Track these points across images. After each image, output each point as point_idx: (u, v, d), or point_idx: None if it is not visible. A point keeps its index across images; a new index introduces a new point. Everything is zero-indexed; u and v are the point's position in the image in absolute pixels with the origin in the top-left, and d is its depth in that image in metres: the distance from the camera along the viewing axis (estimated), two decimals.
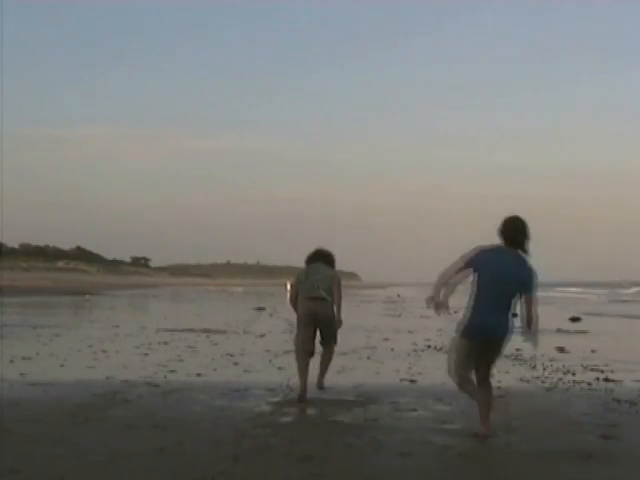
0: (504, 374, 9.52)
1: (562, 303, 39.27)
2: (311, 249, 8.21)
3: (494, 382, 8.68)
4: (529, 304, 5.86)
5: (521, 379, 9.09)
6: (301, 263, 8.46)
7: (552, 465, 5.01)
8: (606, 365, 10.50)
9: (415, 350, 12.41)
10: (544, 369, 10.03)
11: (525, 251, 5.84)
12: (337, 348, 11.64)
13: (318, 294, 7.63)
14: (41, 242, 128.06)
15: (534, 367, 10.25)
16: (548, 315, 26.06)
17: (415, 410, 6.91)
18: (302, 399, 7.37)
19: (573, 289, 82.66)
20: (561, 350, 12.67)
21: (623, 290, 74.15)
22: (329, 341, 7.98)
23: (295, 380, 7.77)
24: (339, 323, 7.88)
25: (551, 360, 11.11)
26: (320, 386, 7.95)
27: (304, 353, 7.66)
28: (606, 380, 9.04)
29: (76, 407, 6.65)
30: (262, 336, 14.85)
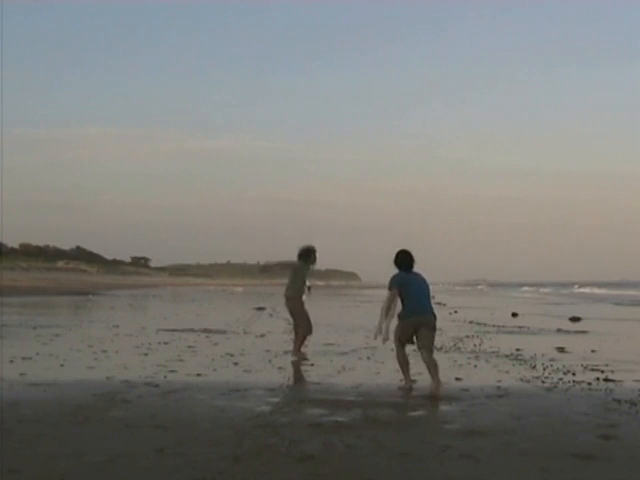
0: (504, 374, 9.53)
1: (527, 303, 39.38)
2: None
3: (494, 381, 8.72)
4: None
5: (521, 379, 9.08)
6: None
7: (552, 465, 5.01)
8: (606, 365, 10.50)
9: (415, 350, 12.38)
10: (544, 369, 10.02)
11: None
12: (337, 348, 11.86)
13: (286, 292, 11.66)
14: (41, 242, 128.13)
15: (534, 367, 10.25)
16: (547, 315, 26.10)
17: (415, 410, 6.91)
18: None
19: (525, 288, 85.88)
20: (561, 350, 12.66)
21: (572, 290, 77.00)
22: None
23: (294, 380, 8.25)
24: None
25: (551, 360, 11.10)
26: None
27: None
28: (606, 380, 9.04)
29: (76, 407, 6.65)
30: (262, 336, 14.86)
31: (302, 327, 11.25)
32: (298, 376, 9.41)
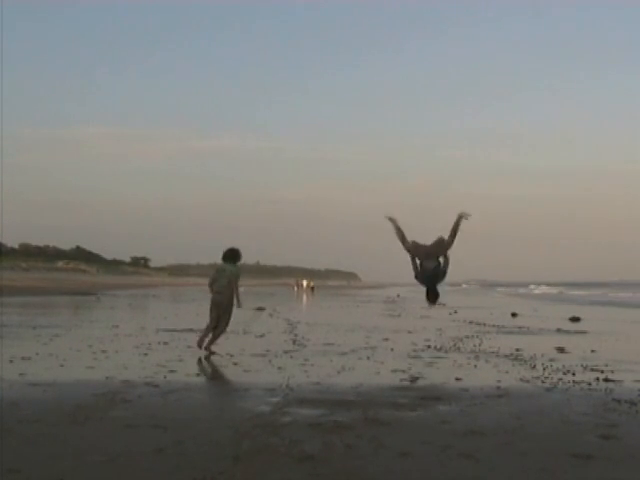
0: (504, 374, 9.53)
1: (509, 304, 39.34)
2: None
3: (494, 381, 8.72)
4: None
5: (521, 379, 9.08)
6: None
7: (552, 465, 5.01)
8: (606, 365, 10.50)
9: (415, 350, 12.41)
10: (544, 369, 10.02)
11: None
12: (337, 348, 11.87)
13: (220, 290, 11.44)
14: (41, 242, 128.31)
15: (534, 367, 10.25)
16: (547, 315, 26.11)
17: (415, 410, 6.90)
18: (199, 345, 11.28)
19: (500, 289, 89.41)
20: (561, 350, 12.66)
21: (533, 290, 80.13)
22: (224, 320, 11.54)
23: (294, 380, 8.44)
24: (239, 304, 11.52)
25: (551, 360, 11.10)
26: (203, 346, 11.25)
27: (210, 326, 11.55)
28: (606, 380, 9.04)
29: (76, 407, 6.64)
30: (262, 336, 14.87)
31: (225, 325, 11.57)
32: (216, 373, 9.67)
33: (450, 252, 9.49)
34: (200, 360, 10.63)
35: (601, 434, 5.94)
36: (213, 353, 11.13)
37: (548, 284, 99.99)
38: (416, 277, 10.15)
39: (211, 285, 11.62)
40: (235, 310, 11.72)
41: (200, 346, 11.24)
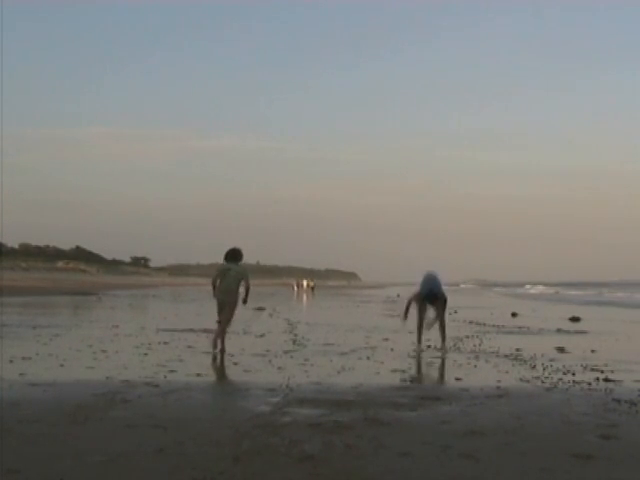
0: (504, 374, 9.53)
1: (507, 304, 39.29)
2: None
3: (494, 381, 8.71)
4: None
5: (521, 379, 9.08)
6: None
7: (552, 465, 5.01)
8: (606, 365, 10.50)
9: (415, 350, 12.41)
10: (544, 369, 10.03)
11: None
12: (337, 348, 11.89)
13: (226, 289, 11.61)
14: (41, 242, 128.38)
15: (534, 367, 10.25)
16: (546, 315, 26.10)
17: (415, 410, 6.90)
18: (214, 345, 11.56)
19: (497, 289, 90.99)
20: (561, 350, 12.67)
21: (529, 290, 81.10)
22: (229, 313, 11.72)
23: (294, 380, 8.53)
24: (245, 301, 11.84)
25: (551, 360, 11.10)
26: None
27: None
28: (606, 380, 9.04)
29: (76, 407, 6.64)
30: (262, 336, 14.86)
31: (228, 318, 11.71)
32: (217, 372, 9.83)
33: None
34: (215, 357, 10.97)
35: (601, 434, 5.94)
36: (223, 351, 11.36)
37: (544, 284, 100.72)
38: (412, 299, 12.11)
39: (214, 283, 11.76)
40: (236, 309, 11.85)
41: (215, 346, 11.52)
